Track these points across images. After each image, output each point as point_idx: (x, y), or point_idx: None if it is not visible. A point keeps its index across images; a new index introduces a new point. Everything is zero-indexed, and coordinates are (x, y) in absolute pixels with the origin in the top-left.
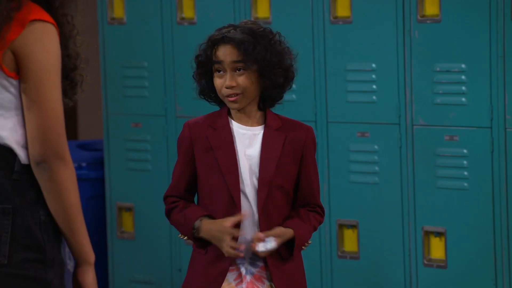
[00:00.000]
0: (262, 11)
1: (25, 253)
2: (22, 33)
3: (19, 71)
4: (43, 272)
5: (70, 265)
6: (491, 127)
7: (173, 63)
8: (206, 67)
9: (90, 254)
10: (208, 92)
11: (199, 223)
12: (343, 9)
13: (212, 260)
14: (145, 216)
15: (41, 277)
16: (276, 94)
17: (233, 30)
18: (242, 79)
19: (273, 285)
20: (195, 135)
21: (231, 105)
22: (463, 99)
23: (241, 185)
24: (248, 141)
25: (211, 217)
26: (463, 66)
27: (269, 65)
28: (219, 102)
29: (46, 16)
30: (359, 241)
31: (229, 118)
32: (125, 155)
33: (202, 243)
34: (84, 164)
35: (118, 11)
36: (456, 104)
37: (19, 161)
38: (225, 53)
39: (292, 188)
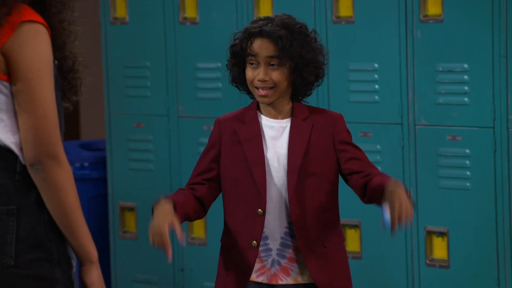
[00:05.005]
0: (265, 11)
1: (31, 253)
2: (12, 35)
3: (10, 73)
4: (49, 270)
5: (73, 264)
6: (493, 127)
7: (176, 63)
8: (239, 58)
9: (92, 253)
10: (239, 82)
11: (161, 200)
12: (345, 9)
13: (241, 252)
14: (148, 216)
15: (48, 276)
16: (306, 90)
17: (270, 24)
18: (275, 74)
19: (299, 278)
20: (224, 130)
21: (260, 99)
22: (466, 99)
23: (267, 177)
24: (276, 133)
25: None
26: (465, 66)
27: (303, 63)
28: (249, 92)
29: (36, 17)
30: (362, 241)
31: (258, 112)
32: (127, 155)
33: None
34: (86, 164)
35: (121, 11)
36: (458, 104)
37: (20, 162)
38: (261, 46)
39: (335, 174)
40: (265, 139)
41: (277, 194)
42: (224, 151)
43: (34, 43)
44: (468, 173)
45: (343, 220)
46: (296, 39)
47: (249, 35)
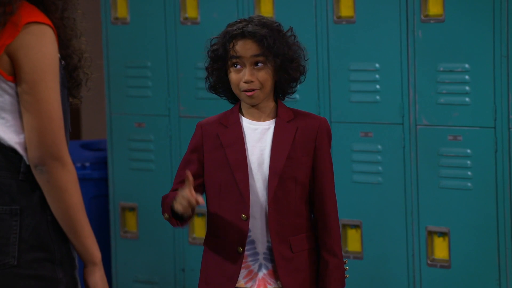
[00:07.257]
0: (266, 11)
1: (33, 253)
2: (17, 36)
3: (15, 74)
4: (52, 271)
5: (76, 265)
6: (494, 127)
7: (177, 63)
8: (222, 62)
9: (95, 255)
10: (221, 86)
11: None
12: (346, 9)
13: (225, 258)
14: (149, 216)
15: (50, 276)
16: (291, 87)
17: (250, 25)
18: (261, 74)
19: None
20: (206, 134)
21: (248, 100)
22: (467, 99)
23: (250, 180)
24: (259, 135)
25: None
26: (466, 66)
27: (287, 60)
28: (230, 97)
29: (42, 17)
30: (363, 241)
31: (240, 115)
32: (128, 155)
33: (180, 220)
34: (87, 164)
35: (122, 11)
36: (459, 104)
37: (25, 162)
38: (245, 47)
39: (308, 180)
40: (247, 142)
41: (260, 198)
42: (206, 155)
43: (40, 45)
44: (469, 173)
45: (344, 220)
46: (278, 37)
47: (231, 37)
